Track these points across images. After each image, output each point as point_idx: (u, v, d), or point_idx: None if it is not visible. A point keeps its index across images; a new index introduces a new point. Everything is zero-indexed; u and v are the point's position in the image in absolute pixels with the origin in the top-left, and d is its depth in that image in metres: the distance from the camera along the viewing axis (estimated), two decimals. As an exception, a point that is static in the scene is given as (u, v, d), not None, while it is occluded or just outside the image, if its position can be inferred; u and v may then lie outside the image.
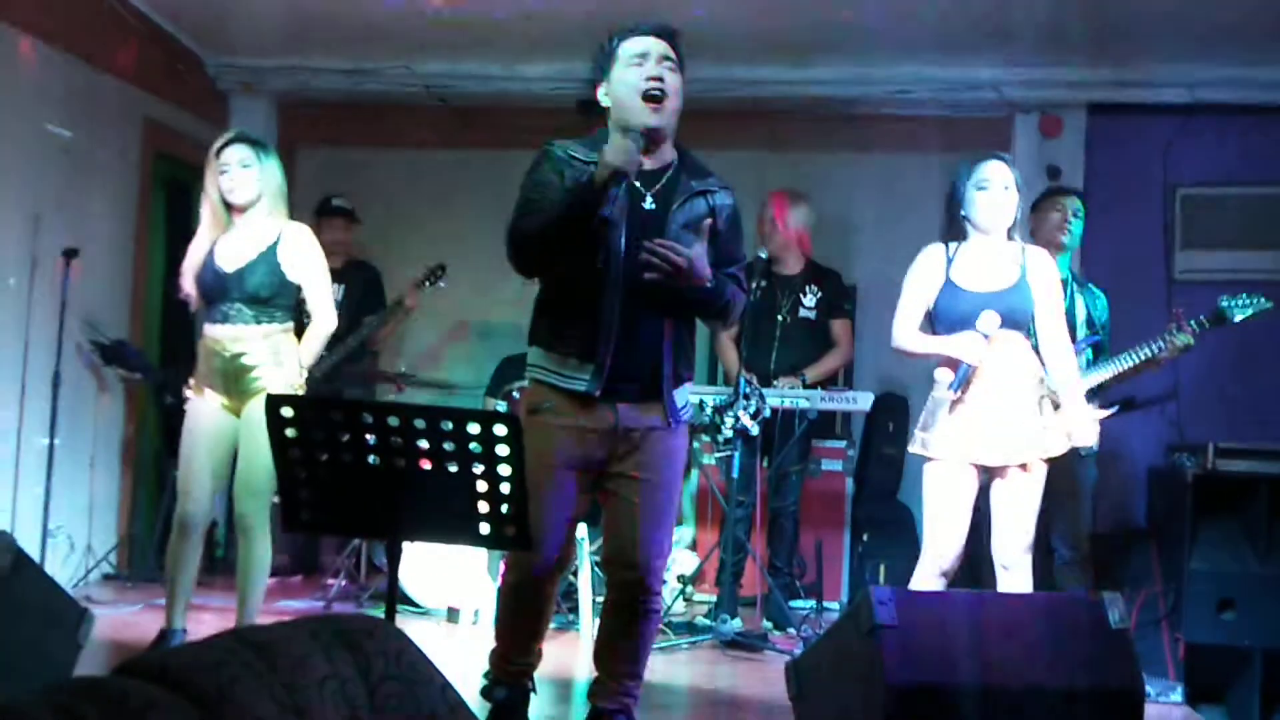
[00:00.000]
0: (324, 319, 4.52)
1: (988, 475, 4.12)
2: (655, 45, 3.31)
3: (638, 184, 3.31)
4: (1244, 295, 4.92)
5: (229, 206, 4.42)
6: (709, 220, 3.37)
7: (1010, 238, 4.18)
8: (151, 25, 6.62)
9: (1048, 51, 6.58)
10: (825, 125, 7.24)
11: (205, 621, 4.84)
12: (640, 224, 3.28)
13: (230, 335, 4.35)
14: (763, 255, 5.71)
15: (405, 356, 7.26)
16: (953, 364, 4.08)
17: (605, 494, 3.40)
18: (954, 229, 4.21)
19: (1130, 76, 6.67)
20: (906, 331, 4.21)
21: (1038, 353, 4.16)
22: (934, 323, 4.18)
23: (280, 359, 4.37)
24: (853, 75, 6.90)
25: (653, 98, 3.26)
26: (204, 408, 4.39)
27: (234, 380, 4.35)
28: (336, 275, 6.62)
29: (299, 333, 4.51)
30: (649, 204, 3.32)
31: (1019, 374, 4.08)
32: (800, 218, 6.11)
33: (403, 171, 7.61)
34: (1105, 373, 4.88)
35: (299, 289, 4.48)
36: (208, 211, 4.45)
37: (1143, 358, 4.88)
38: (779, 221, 6.05)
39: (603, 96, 3.39)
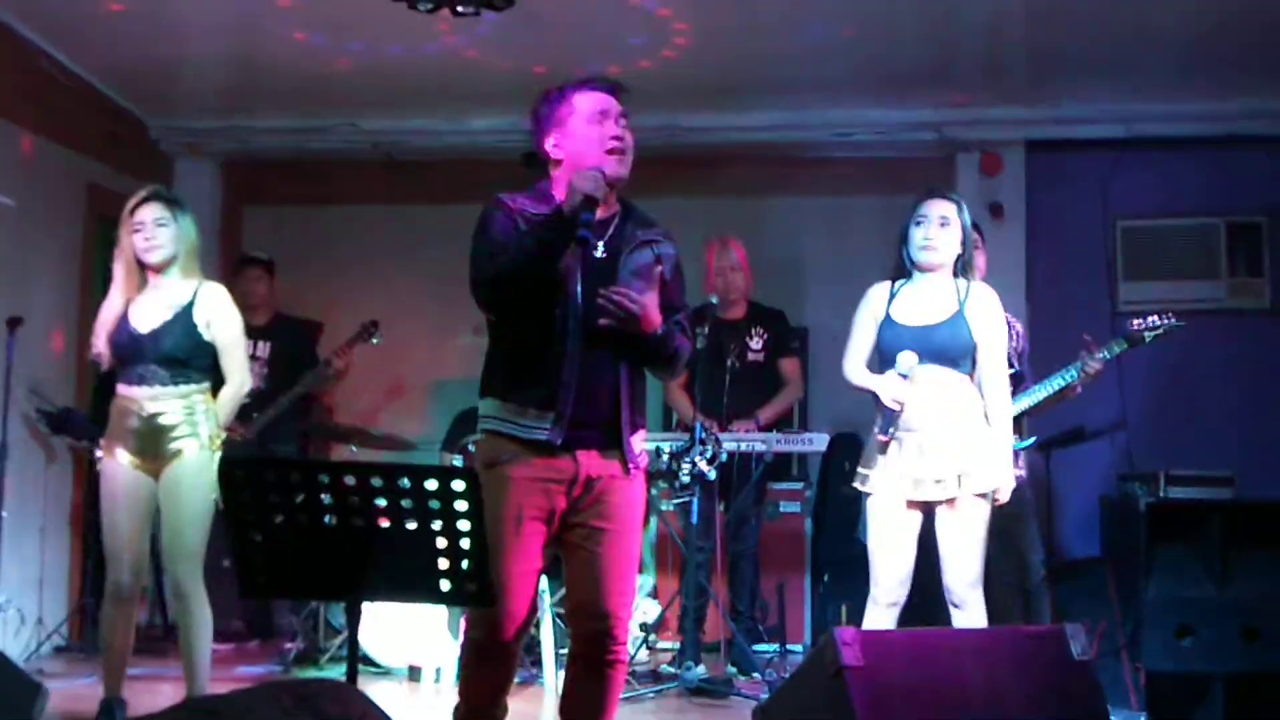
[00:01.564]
0: (239, 380, 4.47)
1: (927, 511, 4.14)
2: (613, 103, 3.36)
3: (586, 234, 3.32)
4: (1152, 317, 4.98)
5: (142, 265, 4.38)
6: (658, 268, 3.40)
7: (957, 274, 4.22)
8: (92, 90, 6.60)
9: (985, 91, 6.70)
10: (769, 170, 7.30)
11: (163, 692, 4.75)
12: (592, 272, 3.30)
13: (147, 395, 4.31)
14: (714, 301, 5.74)
15: (353, 413, 7.20)
16: (882, 407, 4.12)
17: (567, 546, 3.38)
18: (900, 266, 4.27)
19: (1067, 113, 6.80)
20: (851, 366, 4.28)
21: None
22: (878, 358, 4.23)
23: (196, 419, 4.33)
24: (793, 119, 6.98)
25: (616, 151, 3.31)
26: (118, 470, 4.33)
27: (150, 441, 4.31)
28: (262, 331, 6.49)
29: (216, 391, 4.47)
30: (599, 252, 3.34)
31: (950, 409, 4.10)
32: (736, 252, 6.17)
33: (350, 228, 7.58)
34: (1021, 405, 4.91)
35: (214, 349, 4.43)
36: (122, 270, 4.38)
37: (1056, 387, 4.91)
38: (745, 267, 6.12)
39: (552, 148, 3.40)
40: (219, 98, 6.99)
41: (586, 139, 3.32)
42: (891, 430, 4.07)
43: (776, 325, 6.23)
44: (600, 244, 3.34)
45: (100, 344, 4.37)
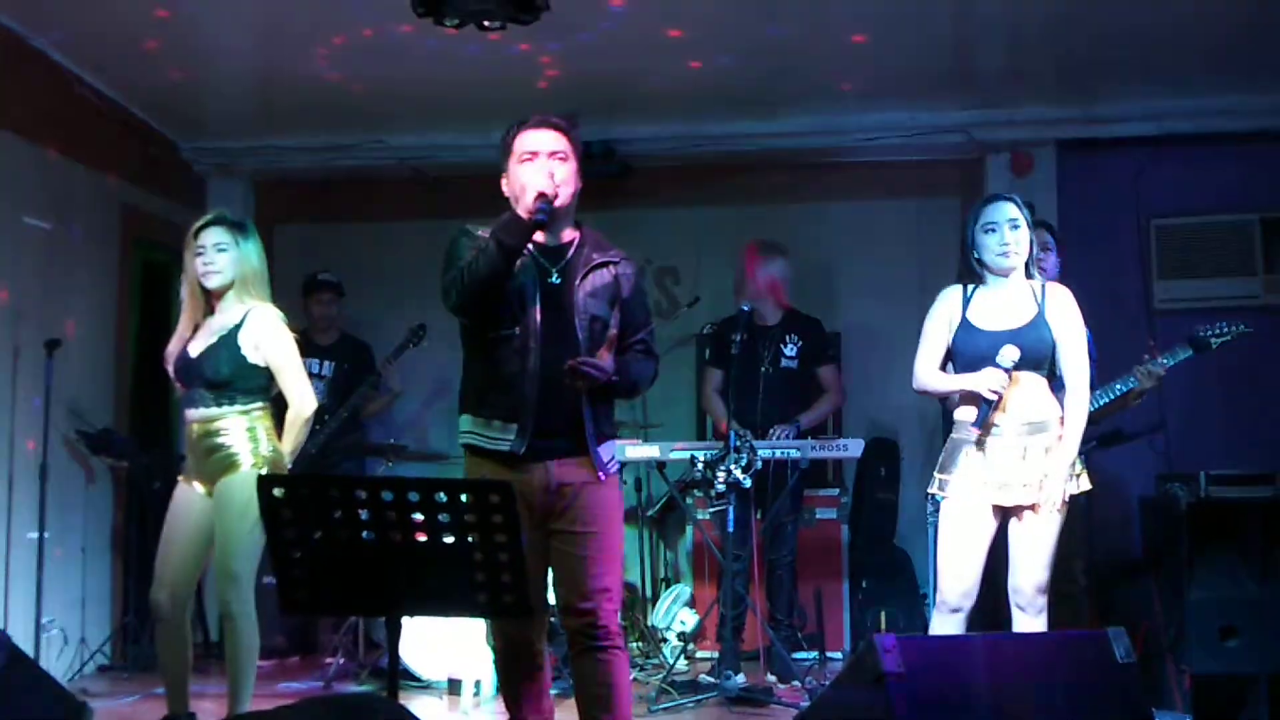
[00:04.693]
0: (300, 403, 4.42)
1: (1004, 516, 4.11)
2: (545, 141, 3.52)
3: (543, 261, 3.51)
4: (1221, 323, 4.95)
5: (204, 289, 4.42)
6: (617, 289, 3.57)
7: (1029, 275, 4.21)
8: (125, 113, 6.66)
9: (1014, 91, 6.66)
10: (800, 176, 7.28)
11: (205, 710, 4.77)
12: (549, 295, 3.49)
13: (198, 418, 4.35)
14: (745, 308, 5.73)
15: (392, 428, 7.23)
16: (975, 402, 4.08)
17: (552, 551, 3.55)
18: (970, 273, 4.24)
19: (1097, 112, 6.75)
20: (926, 371, 4.25)
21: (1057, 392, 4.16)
22: (954, 363, 4.21)
23: (245, 441, 4.33)
24: (823, 125, 6.97)
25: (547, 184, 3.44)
26: (187, 495, 4.37)
27: (204, 463, 4.34)
28: (328, 351, 6.70)
29: (279, 416, 4.45)
30: (554, 279, 3.52)
31: (1037, 413, 4.08)
32: (772, 268, 6.12)
33: (381, 244, 7.62)
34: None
35: (266, 371, 4.41)
36: (186, 294, 4.43)
37: (1120, 393, 4.88)
38: (749, 273, 6.09)
39: (504, 187, 3.58)
40: (249, 117, 7.05)
41: (517, 180, 3.51)
42: (983, 425, 4.04)
43: (813, 333, 6.19)
44: (555, 271, 3.52)
45: (170, 369, 4.43)
